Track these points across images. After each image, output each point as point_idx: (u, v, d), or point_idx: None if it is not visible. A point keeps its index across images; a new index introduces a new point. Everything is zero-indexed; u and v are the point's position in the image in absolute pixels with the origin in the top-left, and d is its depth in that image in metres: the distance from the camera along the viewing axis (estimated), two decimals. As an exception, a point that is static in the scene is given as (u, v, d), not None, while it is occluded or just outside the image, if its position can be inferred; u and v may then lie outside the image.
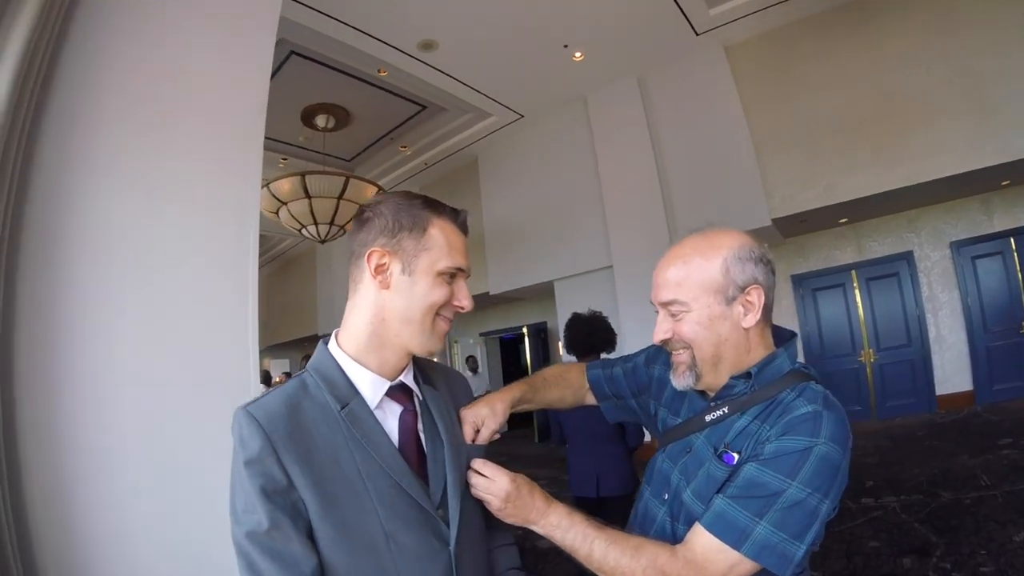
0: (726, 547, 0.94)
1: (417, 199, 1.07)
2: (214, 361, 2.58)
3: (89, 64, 2.67)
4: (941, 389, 7.43)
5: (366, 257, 1.03)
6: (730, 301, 1.07)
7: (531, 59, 7.07)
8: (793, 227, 7.56)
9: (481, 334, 13.30)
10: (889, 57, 6.27)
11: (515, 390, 1.33)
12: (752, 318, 1.08)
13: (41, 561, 2.31)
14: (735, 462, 1.03)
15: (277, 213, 8.03)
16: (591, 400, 1.47)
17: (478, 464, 1.09)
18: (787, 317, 8.51)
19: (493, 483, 1.06)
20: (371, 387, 1.04)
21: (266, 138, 7.30)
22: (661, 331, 1.16)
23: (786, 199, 6.87)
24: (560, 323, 8.71)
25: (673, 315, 1.12)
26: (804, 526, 0.95)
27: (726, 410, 1.09)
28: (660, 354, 1.30)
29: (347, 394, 1.02)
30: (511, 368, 13.88)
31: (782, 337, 1.16)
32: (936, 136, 5.99)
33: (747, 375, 1.09)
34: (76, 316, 2.45)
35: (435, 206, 1.07)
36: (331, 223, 8.05)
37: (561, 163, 8.79)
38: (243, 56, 3.20)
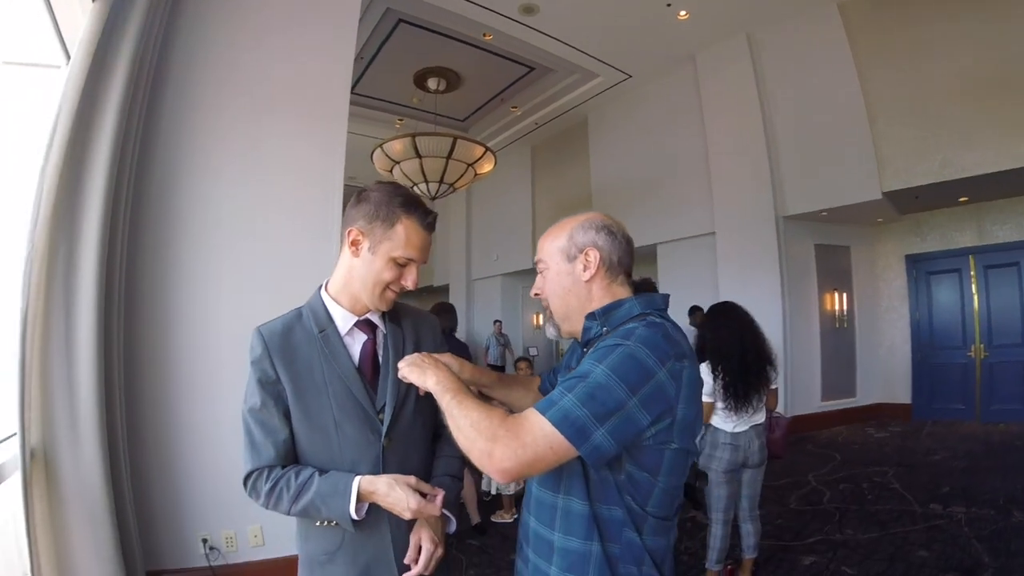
0: (538, 414, 1.10)
1: (398, 196, 1.36)
2: (300, 303, 3.15)
3: (191, 63, 3.19)
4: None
5: (348, 231, 1.38)
6: (571, 259, 1.32)
7: (633, 19, 6.94)
8: (909, 203, 7.04)
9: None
10: (1017, 19, 5.50)
11: (485, 372, 1.63)
12: (588, 273, 1.30)
13: (147, 464, 2.97)
14: None
15: (391, 172, 8.58)
16: None
17: (409, 355, 1.40)
18: (898, 299, 8.11)
19: (408, 357, 1.37)
20: (343, 320, 1.43)
21: (381, 100, 7.95)
22: (535, 287, 1.42)
23: (899, 172, 6.35)
24: (662, 288, 8.76)
25: (540, 272, 1.39)
26: (606, 411, 1.08)
27: (585, 350, 1.30)
28: (574, 347, 1.49)
29: (325, 323, 1.42)
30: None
31: (651, 297, 1.33)
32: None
33: (593, 315, 1.29)
34: (187, 276, 3.07)
35: (408, 207, 1.36)
36: (440, 181, 8.46)
37: (669, 124, 8.63)
38: (327, 45, 3.62)
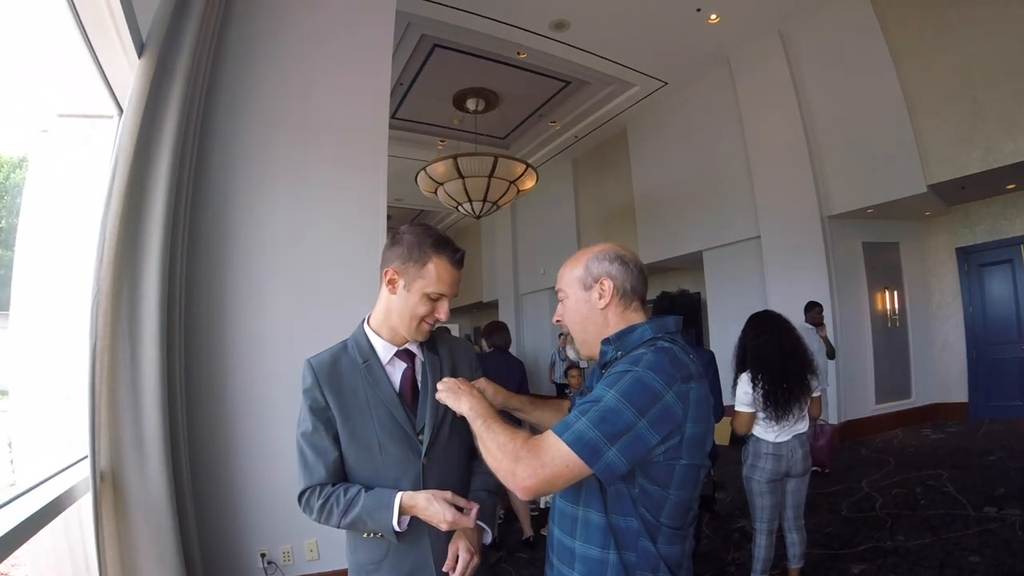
0: (556, 436, 1.21)
1: (429, 238, 1.50)
2: (352, 325, 3.32)
3: (235, 103, 3.40)
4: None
5: (384, 272, 1.53)
6: (588, 288, 1.43)
7: (664, 26, 6.97)
8: (955, 194, 6.80)
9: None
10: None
11: (516, 397, 1.71)
12: (604, 301, 1.41)
13: (208, 483, 3.15)
14: None
15: (435, 193, 8.78)
16: None
17: (446, 379, 1.53)
18: (950, 294, 7.81)
19: (445, 382, 1.50)
20: (384, 350, 1.58)
21: (423, 123, 8.21)
22: (556, 314, 1.55)
23: (944, 163, 6.13)
24: (710, 294, 8.68)
25: (561, 301, 1.51)
26: (616, 431, 1.17)
27: (603, 371, 1.39)
28: (595, 369, 1.59)
29: (368, 353, 1.56)
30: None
31: (663, 320, 1.43)
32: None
33: (608, 341, 1.39)
34: (240, 295, 3.25)
35: (438, 247, 1.50)
36: (484, 199, 8.62)
37: (708, 129, 8.58)
38: (363, 72, 3.80)
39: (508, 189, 8.61)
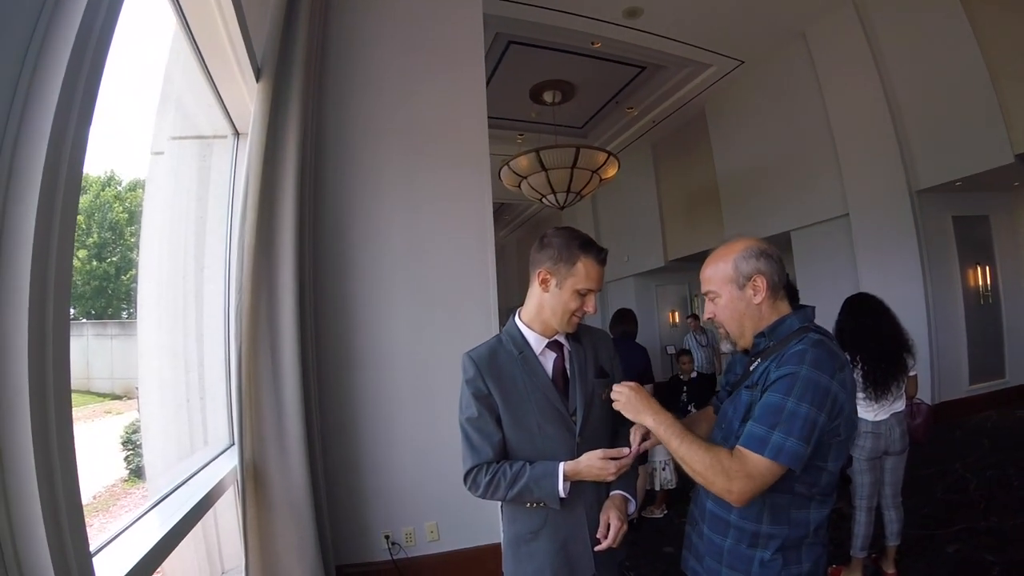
0: (755, 454, 1.34)
1: (575, 240, 1.66)
2: (463, 321, 3.51)
3: (344, 110, 3.62)
4: None
5: (537, 272, 1.69)
6: (742, 287, 1.54)
7: (737, 5, 6.75)
8: None
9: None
10: None
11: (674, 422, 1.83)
12: (759, 296, 1.52)
13: (337, 472, 3.39)
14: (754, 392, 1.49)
15: (519, 187, 8.88)
16: None
17: (617, 384, 1.64)
18: None
19: (623, 391, 1.59)
20: (536, 342, 1.74)
21: (501, 118, 8.29)
22: (707, 312, 1.67)
23: None
24: (799, 275, 8.41)
25: (711, 300, 1.63)
26: (806, 433, 1.31)
27: (758, 361, 1.53)
28: (734, 359, 1.75)
29: (522, 345, 1.73)
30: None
31: (805, 310, 1.56)
32: None
33: (762, 333, 1.54)
34: (361, 297, 3.49)
35: (586, 248, 1.65)
36: (567, 191, 8.63)
37: (788, 106, 8.28)
38: (460, 75, 3.95)
39: (591, 179, 8.56)
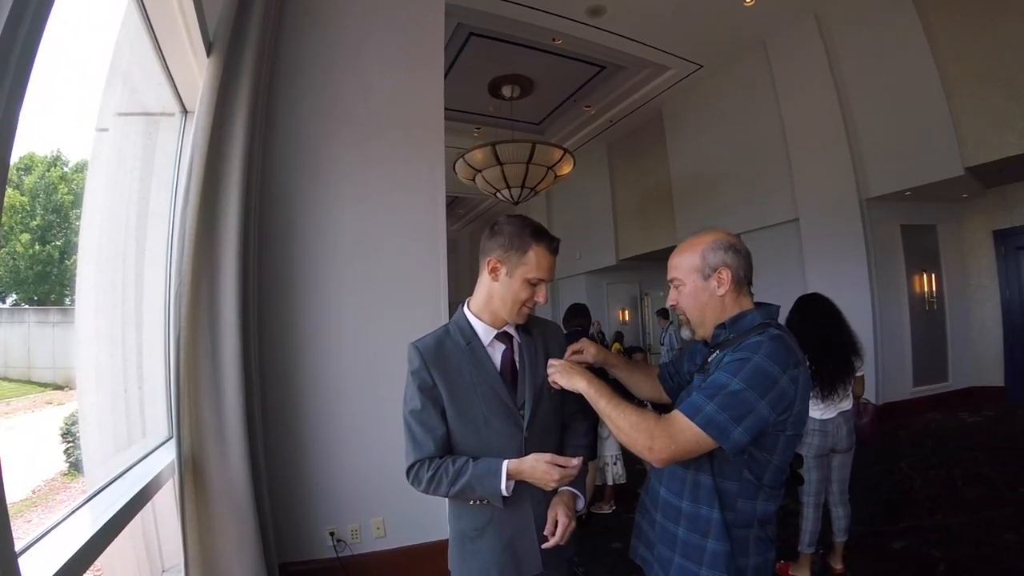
0: (687, 418, 1.38)
1: (527, 227, 1.62)
2: (413, 313, 3.44)
3: (297, 100, 3.49)
4: None
5: (487, 260, 1.64)
6: (706, 278, 1.56)
7: (700, 10, 6.87)
8: (993, 176, 6.66)
9: (674, 287, 13.30)
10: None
11: (613, 356, 1.93)
12: (723, 289, 1.55)
13: (280, 466, 3.28)
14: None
15: (474, 180, 8.84)
16: (660, 394, 1.97)
17: (553, 360, 1.71)
18: (987, 277, 7.74)
19: (556, 362, 1.69)
20: (484, 333, 1.69)
21: (458, 111, 8.22)
22: (670, 299, 1.69)
23: (981, 145, 6.00)
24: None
25: (676, 288, 1.65)
26: (741, 413, 1.35)
27: (717, 352, 1.55)
28: (696, 347, 1.77)
29: (470, 336, 1.68)
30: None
31: (769, 307, 1.59)
32: None
33: (723, 325, 1.56)
34: (309, 286, 3.36)
35: (537, 236, 1.61)
36: (522, 186, 8.66)
37: (745, 112, 8.46)
38: (417, 71, 3.85)
39: (546, 175, 8.61)
